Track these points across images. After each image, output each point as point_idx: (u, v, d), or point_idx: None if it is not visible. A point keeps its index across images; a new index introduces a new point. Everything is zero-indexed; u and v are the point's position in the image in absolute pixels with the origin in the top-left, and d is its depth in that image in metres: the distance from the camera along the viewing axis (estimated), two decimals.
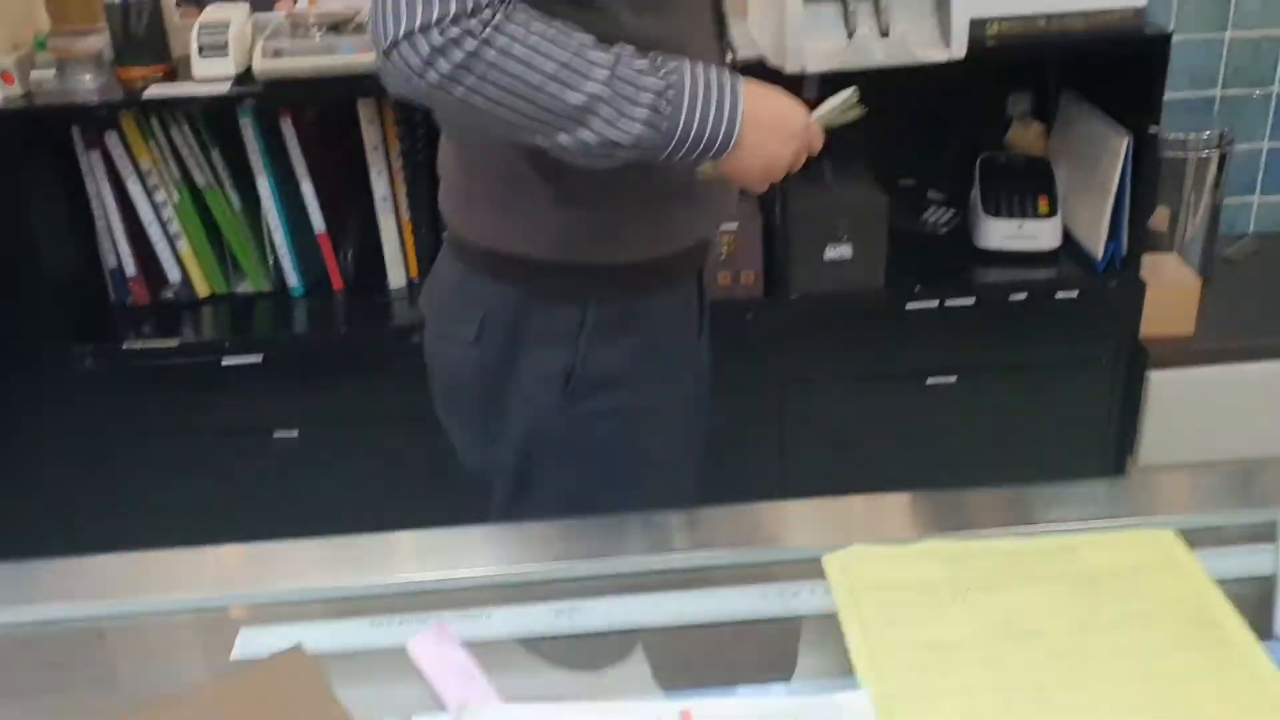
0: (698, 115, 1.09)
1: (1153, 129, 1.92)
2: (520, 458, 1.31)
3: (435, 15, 1.01)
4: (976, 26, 1.87)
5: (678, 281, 1.35)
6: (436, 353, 1.34)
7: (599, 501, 1.20)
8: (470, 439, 1.37)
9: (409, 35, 1.02)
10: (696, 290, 1.41)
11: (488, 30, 1.02)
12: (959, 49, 1.82)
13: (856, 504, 1.04)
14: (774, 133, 1.15)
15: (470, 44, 1.02)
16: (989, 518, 0.99)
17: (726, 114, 1.11)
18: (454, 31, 1.01)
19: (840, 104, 1.21)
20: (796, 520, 1.03)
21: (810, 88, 1.81)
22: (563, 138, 1.07)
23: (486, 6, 1.02)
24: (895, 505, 1.04)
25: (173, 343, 1.98)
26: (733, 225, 1.97)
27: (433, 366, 1.36)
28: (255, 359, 1.98)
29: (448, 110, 1.11)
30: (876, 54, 1.78)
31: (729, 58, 1.35)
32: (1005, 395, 2.11)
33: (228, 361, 1.98)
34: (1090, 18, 1.89)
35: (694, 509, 1.05)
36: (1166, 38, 1.89)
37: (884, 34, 1.81)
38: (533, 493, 1.32)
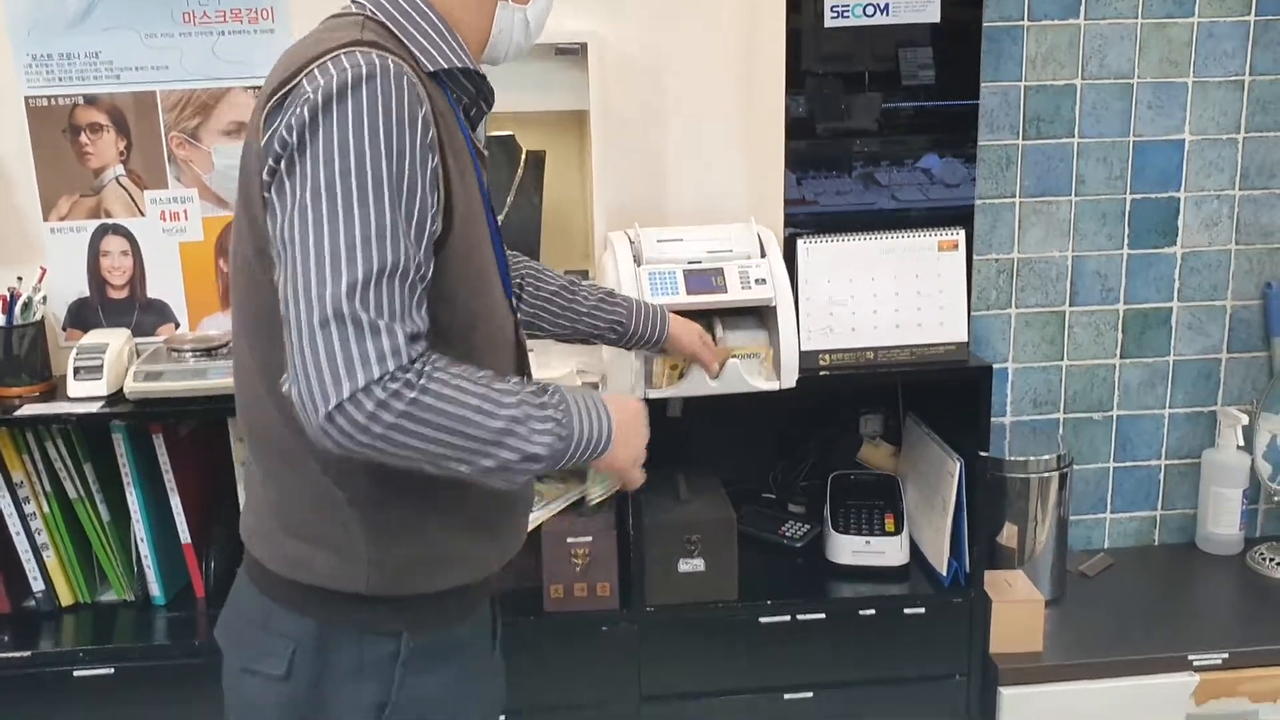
0: (587, 422, 1.21)
1: (981, 454, 2.03)
2: None
3: (376, 374, 1.06)
4: (809, 356, 2.01)
5: (483, 603, 1.40)
6: (237, 688, 1.33)
7: None
8: None
9: (351, 397, 1.06)
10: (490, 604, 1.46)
11: (422, 379, 1.09)
12: (789, 380, 1.94)
13: None
14: (632, 425, 1.29)
15: (409, 394, 1.08)
16: None
17: (604, 418, 1.24)
18: (393, 386, 1.07)
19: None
20: None
21: None
22: (485, 461, 1.14)
23: (418, 358, 1.10)
24: None
25: (25, 653, 1.98)
26: (588, 537, 2.03)
27: (232, 702, 1.34)
28: (108, 670, 1.98)
29: (382, 456, 1.11)
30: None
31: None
32: (862, 712, 2.11)
33: (80, 673, 1.98)
34: (916, 350, 2.04)
35: None
36: (988, 370, 2.02)
37: None
38: None
